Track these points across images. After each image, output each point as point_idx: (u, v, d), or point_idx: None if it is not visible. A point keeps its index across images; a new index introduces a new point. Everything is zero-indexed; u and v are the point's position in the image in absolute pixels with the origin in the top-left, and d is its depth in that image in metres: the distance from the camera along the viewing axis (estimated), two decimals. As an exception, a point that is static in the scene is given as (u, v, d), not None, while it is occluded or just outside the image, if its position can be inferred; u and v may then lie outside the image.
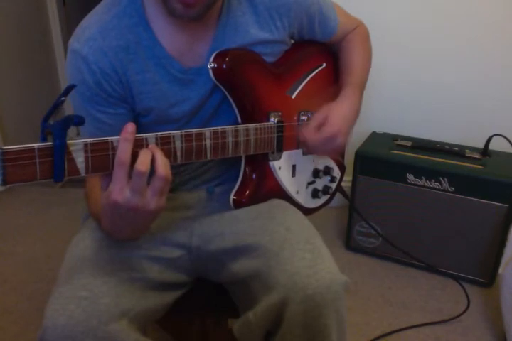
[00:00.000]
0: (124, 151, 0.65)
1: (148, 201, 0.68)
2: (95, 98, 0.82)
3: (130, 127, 0.66)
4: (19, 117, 2.49)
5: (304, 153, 1.03)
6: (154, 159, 0.67)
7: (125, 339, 0.74)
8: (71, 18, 2.92)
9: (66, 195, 2.30)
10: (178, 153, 0.75)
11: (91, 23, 0.83)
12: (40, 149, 0.59)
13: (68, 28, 2.89)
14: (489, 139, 1.66)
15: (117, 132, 0.67)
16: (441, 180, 1.60)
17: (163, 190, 0.68)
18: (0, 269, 1.76)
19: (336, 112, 0.95)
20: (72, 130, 0.63)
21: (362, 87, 1.06)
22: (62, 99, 0.62)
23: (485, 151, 1.68)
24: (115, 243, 0.86)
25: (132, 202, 0.67)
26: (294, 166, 1.01)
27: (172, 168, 0.71)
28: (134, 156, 0.66)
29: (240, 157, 0.92)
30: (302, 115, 1.01)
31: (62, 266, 0.85)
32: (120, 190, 0.66)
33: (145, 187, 0.67)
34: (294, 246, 0.83)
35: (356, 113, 1.01)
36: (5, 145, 0.57)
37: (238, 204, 0.94)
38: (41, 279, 1.68)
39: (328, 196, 1.14)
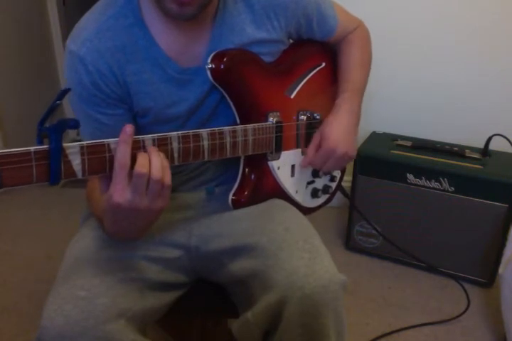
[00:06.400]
0: (123, 153, 0.66)
1: (149, 202, 0.68)
2: (93, 99, 0.82)
3: (128, 129, 0.66)
4: (19, 117, 2.48)
5: (304, 153, 1.03)
6: (151, 162, 0.68)
7: (123, 339, 0.74)
8: (71, 18, 2.91)
9: (66, 195, 2.30)
10: (175, 155, 0.75)
11: (87, 23, 0.83)
12: (36, 152, 0.60)
13: (68, 28, 2.88)
14: (489, 139, 1.66)
15: (116, 132, 0.67)
16: (441, 180, 1.60)
17: (160, 192, 0.69)
18: (0, 269, 1.76)
19: (330, 125, 0.97)
20: (72, 131, 0.63)
21: (360, 91, 1.05)
22: (58, 102, 0.62)
23: (485, 151, 1.67)
24: (114, 243, 0.86)
25: (133, 203, 0.67)
26: (293, 166, 1.01)
27: (171, 168, 0.71)
28: (132, 158, 0.67)
29: (239, 157, 0.92)
30: (301, 115, 1.01)
31: (62, 266, 0.85)
32: (122, 192, 0.66)
33: (145, 189, 0.67)
34: (293, 246, 0.83)
35: (355, 119, 1.01)
36: (5, 145, 0.58)
37: (237, 205, 0.94)
38: (41, 279, 1.68)
39: (328, 195, 1.14)
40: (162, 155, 0.70)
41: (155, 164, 0.68)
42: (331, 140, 0.95)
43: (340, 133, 0.96)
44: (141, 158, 0.67)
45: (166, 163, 0.70)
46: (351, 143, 0.98)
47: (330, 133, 0.96)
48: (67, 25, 2.90)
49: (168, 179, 0.69)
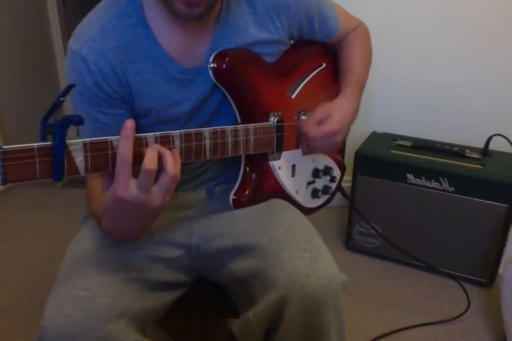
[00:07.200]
0: (125, 149, 0.66)
1: (154, 197, 0.69)
2: (94, 98, 0.82)
3: (129, 124, 0.66)
4: (19, 117, 2.49)
5: (304, 153, 1.03)
6: (164, 158, 0.68)
7: (124, 339, 0.74)
8: (71, 18, 2.91)
9: (66, 194, 2.30)
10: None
11: (90, 23, 0.83)
12: (39, 148, 0.60)
13: (68, 28, 2.88)
14: (489, 139, 1.66)
15: (117, 132, 0.67)
16: (441, 180, 1.60)
17: (170, 188, 0.69)
18: (0, 269, 1.76)
19: (338, 110, 0.95)
20: (72, 130, 0.63)
21: (361, 86, 1.06)
22: (62, 99, 0.62)
23: (485, 151, 1.67)
24: (115, 243, 0.86)
25: (138, 198, 0.67)
26: (293, 166, 1.01)
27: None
28: (135, 155, 0.67)
29: (240, 156, 0.92)
30: (302, 115, 1.01)
31: (62, 266, 0.85)
32: (125, 187, 0.66)
33: (152, 184, 0.68)
34: (294, 246, 0.83)
35: (355, 113, 1.01)
36: (5, 145, 0.58)
37: (238, 204, 0.94)
38: (41, 279, 1.67)
39: (328, 196, 1.14)
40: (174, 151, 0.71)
41: (170, 159, 0.68)
42: (336, 125, 0.93)
43: (344, 122, 0.95)
44: (150, 154, 0.67)
45: (178, 160, 0.71)
46: (346, 134, 0.98)
47: (336, 119, 0.93)
48: (67, 25, 2.89)
49: (179, 175, 0.70)
